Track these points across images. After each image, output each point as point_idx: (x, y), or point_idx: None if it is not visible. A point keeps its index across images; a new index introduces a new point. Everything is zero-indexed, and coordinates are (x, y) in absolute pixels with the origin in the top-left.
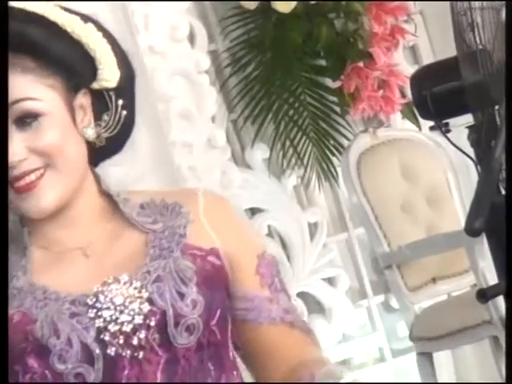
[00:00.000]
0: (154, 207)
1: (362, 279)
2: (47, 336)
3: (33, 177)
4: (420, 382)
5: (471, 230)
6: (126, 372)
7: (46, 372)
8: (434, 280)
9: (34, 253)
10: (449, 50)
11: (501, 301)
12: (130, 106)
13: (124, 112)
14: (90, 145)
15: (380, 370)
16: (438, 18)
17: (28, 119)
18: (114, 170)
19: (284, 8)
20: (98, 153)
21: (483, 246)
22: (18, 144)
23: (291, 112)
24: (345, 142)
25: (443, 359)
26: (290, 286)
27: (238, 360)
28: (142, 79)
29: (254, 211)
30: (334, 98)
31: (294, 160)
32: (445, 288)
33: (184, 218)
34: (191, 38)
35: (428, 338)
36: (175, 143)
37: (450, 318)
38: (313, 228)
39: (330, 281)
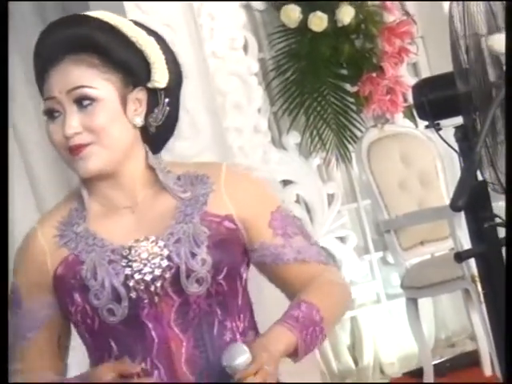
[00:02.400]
0: (188, 178)
1: (366, 239)
2: (88, 278)
3: (83, 146)
4: (407, 320)
5: (455, 207)
6: (145, 311)
7: (86, 306)
8: (421, 243)
9: (92, 206)
10: (442, 67)
11: (472, 262)
12: (174, 104)
13: (167, 108)
14: (146, 131)
15: (376, 310)
16: (436, 42)
17: (85, 102)
18: (180, 144)
19: (317, 28)
20: (155, 139)
21: (461, 218)
22: (76, 121)
23: (318, 108)
24: (358, 134)
25: (426, 304)
26: None
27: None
28: (206, 77)
29: (286, 183)
30: (352, 99)
31: (318, 145)
32: (430, 249)
33: (209, 187)
34: (245, 48)
35: (415, 287)
36: (228, 128)
37: (433, 273)
38: (330, 198)
39: (342, 239)
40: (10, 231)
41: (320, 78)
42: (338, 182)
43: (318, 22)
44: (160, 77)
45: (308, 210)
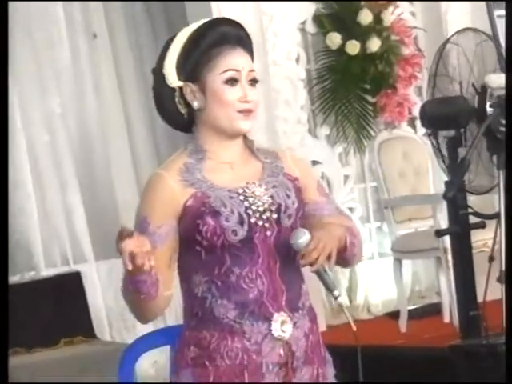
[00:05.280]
0: (263, 151)
1: (369, 211)
2: (219, 206)
3: (252, 111)
4: (392, 274)
5: (447, 197)
6: (257, 234)
7: (216, 226)
8: (410, 219)
9: (205, 161)
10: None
11: (447, 237)
12: None
13: None
14: None
15: (370, 264)
16: None
17: (254, 82)
18: None
19: (352, 52)
20: None
21: (442, 205)
22: (251, 93)
23: (345, 111)
24: (373, 134)
25: (407, 264)
26: None
27: None
28: (266, 79)
29: (315, 163)
30: (371, 108)
31: (342, 138)
32: (415, 225)
33: (280, 159)
34: (297, 60)
35: (401, 251)
36: (278, 117)
37: (415, 242)
38: (346, 178)
39: (351, 209)
40: (110, 185)
41: (349, 89)
42: (353, 166)
43: (353, 47)
44: None
45: (328, 185)
